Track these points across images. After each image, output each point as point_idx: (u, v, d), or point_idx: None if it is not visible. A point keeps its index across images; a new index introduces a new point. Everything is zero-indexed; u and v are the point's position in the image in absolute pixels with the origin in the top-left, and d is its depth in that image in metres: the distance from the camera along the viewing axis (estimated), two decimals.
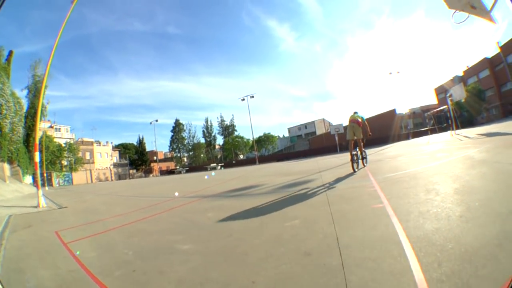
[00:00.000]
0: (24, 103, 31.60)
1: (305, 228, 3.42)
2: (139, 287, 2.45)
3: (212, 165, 54.20)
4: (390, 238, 2.58)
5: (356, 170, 8.20)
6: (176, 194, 10.24)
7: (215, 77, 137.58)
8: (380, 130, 35.74)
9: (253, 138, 60.13)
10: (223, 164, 55.68)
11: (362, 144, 8.96)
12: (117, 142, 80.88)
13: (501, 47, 39.85)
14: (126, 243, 4.20)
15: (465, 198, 3.52)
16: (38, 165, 11.49)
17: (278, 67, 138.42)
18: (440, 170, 6.12)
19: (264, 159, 51.75)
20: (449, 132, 24.43)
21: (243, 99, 51.24)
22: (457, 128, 23.86)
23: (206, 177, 21.43)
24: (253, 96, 51.08)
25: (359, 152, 8.76)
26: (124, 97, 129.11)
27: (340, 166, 12.02)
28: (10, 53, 26.84)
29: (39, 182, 11.14)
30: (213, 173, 30.46)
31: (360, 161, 8.86)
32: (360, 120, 8.84)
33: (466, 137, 15.08)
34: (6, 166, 23.60)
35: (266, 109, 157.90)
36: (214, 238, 3.66)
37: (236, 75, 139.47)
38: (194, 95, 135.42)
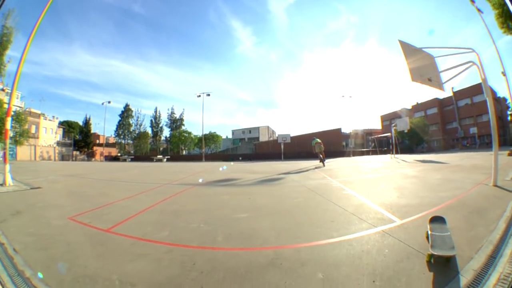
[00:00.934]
0: None
1: (302, 199, 5.57)
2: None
3: (158, 156, 53.88)
4: (359, 203, 4.75)
5: (324, 165, 15.90)
6: (161, 181, 10.49)
7: (166, 66, 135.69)
8: (325, 145, 38.33)
9: (203, 134, 60.43)
10: (169, 156, 55.87)
11: (323, 153, 16.94)
12: (60, 118, 74.29)
13: (454, 93, 47.17)
14: (194, 218, 4.39)
15: (399, 190, 6.06)
16: (8, 133, 10.40)
17: (230, 68, 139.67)
18: (382, 178, 8.68)
19: (208, 157, 52.36)
20: (389, 155, 27.64)
21: (199, 96, 51.07)
22: (397, 153, 26.79)
23: (163, 168, 21.36)
24: (209, 94, 51.02)
25: (322, 157, 16.58)
26: (73, 70, 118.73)
27: (300, 170, 13.63)
28: None
29: (8, 155, 10.06)
30: (163, 165, 30.18)
31: (323, 162, 16.42)
32: (321, 142, 17.62)
33: (404, 160, 17.89)
34: None
35: (209, 108, 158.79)
36: (253, 206, 5.22)
37: (188, 68, 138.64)
38: (142, 81, 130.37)
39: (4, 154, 10.25)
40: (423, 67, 11.58)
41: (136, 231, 3.77)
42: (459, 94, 46.06)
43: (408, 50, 12.03)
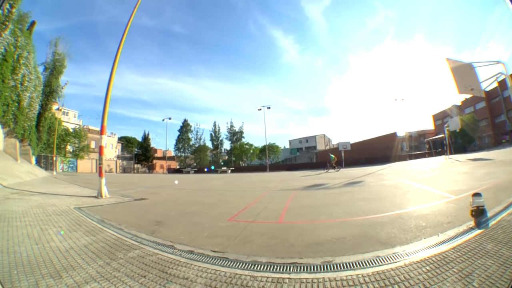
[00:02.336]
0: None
1: (386, 192, 8.28)
2: None
3: (223, 168, 56.22)
4: (428, 190, 7.35)
5: (338, 170, 19.86)
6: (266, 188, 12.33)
7: (214, 81, 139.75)
8: (382, 150, 39.75)
9: (266, 145, 62.68)
10: (233, 168, 57.32)
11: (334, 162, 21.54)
12: (116, 134, 79.79)
13: (499, 82, 43.85)
14: (325, 208, 6.41)
15: (454, 182, 8.59)
16: (103, 149, 10.95)
17: (278, 78, 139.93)
18: (440, 176, 11.34)
19: (271, 167, 52.93)
20: (443, 157, 28.58)
21: (260, 109, 53.83)
22: (451, 153, 27.91)
23: (243, 179, 22.77)
24: (269, 107, 53.84)
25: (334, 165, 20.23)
26: (122, 90, 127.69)
27: (368, 174, 16.28)
28: (33, 23, 23.91)
29: (103, 169, 10.54)
30: (236, 175, 31.91)
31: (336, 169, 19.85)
32: (335, 157, 24.07)
33: (457, 160, 19.69)
34: (18, 144, 22.54)
35: (261, 119, 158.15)
36: (362, 197, 8.16)
37: (236, 81, 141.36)
38: (191, 97, 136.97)
39: (100, 168, 10.56)
40: (467, 79, 14.12)
41: (297, 218, 5.71)
42: (503, 84, 42.17)
43: (455, 65, 14.40)
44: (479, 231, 3.70)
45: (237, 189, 13.61)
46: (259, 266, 3.10)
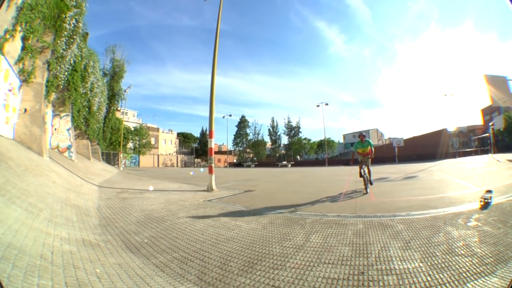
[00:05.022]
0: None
1: (438, 184, 11.79)
2: None
3: (283, 162, 58.72)
4: (462, 183, 10.83)
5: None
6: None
7: (263, 75, 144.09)
8: (433, 147, 40.45)
9: (325, 140, 64.91)
10: (293, 162, 59.52)
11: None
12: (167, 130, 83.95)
13: None
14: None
15: (481, 179, 11.95)
16: (213, 151, 12.32)
17: (327, 70, 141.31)
18: (478, 174, 14.27)
19: (329, 162, 54.14)
20: (487, 156, 28.99)
21: (318, 106, 57.67)
22: (496, 152, 28.34)
23: (319, 172, 25.30)
24: (327, 104, 57.29)
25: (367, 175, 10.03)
26: (171, 88, 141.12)
27: (420, 170, 19.17)
28: (86, 34, 23.90)
29: (213, 167, 11.73)
30: (305, 170, 34.19)
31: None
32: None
33: (498, 160, 21.76)
34: (89, 144, 24.75)
35: (311, 112, 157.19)
36: (424, 186, 11.73)
37: (284, 74, 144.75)
38: (241, 91, 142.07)
39: (209, 166, 12.03)
40: (501, 92, 16.50)
41: (382, 198, 9.62)
42: None
43: (491, 80, 16.93)
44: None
45: (318, 181, 16.51)
46: (377, 216, 6.18)
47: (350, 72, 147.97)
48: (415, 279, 2.99)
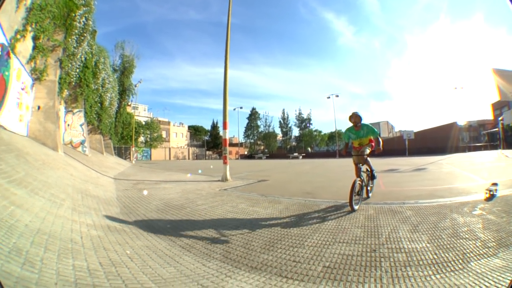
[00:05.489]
0: None
1: (446, 175, 11.98)
2: None
3: (294, 154, 58.44)
4: (469, 176, 11.04)
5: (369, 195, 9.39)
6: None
7: (273, 67, 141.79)
8: (443, 140, 40.11)
9: (336, 132, 63.87)
10: (304, 154, 59.31)
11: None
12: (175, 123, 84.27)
13: None
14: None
15: (488, 172, 12.35)
16: (227, 142, 12.75)
17: (336, 62, 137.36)
18: (486, 168, 14.39)
19: (340, 154, 52.13)
20: (497, 151, 28.84)
21: (329, 97, 58.16)
22: (504, 147, 28.21)
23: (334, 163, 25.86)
24: (338, 96, 57.86)
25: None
26: (180, 81, 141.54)
27: (430, 163, 19.27)
28: (94, 31, 22.74)
29: (227, 157, 12.03)
30: (316, 161, 35.04)
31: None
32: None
33: (507, 156, 21.65)
34: (102, 139, 25.36)
35: (321, 104, 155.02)
36: (434, 178, 12.02)
37: (294, 67, 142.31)
38: (252, 84, 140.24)
39: (224, 156, 12.32)
40: (510, 86, 16.50)
41: (392, 187, 10.18)
42: None
43: (500, 74, 16.91)
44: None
45: (329, 172, 16.89)
46: (387, 203, 6.52)
47: (360, 64, 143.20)
48: (422, 257, 3.27)
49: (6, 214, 3.44)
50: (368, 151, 6.46)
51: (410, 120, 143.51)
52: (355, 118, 6.48)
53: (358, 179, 5.95)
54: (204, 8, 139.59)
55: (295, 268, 3.12)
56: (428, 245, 3.64)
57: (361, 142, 6.67)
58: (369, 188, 6.97)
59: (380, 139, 6.43)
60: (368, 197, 6.85)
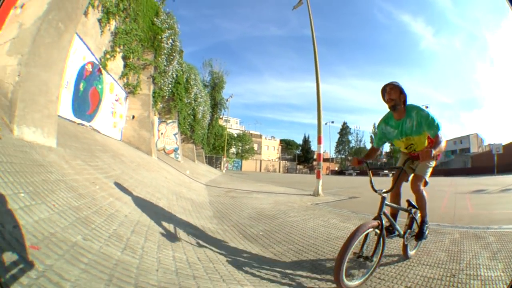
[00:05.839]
0: None
1: None
2: None
3: (385, 171, 55.05)
4: None
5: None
6: None
7: (360, 79, 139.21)
8: None
9: None
10: (394, 172, 55.28)
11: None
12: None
13: None
14: None
15: None
16: (321, 157, 12.13)
17: (421, 68, 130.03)
18: None
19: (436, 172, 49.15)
20: None
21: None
22: None
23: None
24: (427, 106, 50.81)
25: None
26: (269, 96, 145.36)
27: None
28: (181, 51, 23.24)
29: (321, 172, 11.48)
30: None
31: None
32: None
33: None
34: (194, 148, 27.41)
35: None
36: None
37: (382, 77, 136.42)
38: (340, 97, 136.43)
39: (317, 170, 11.81)
40: None
41: (479, 210, 8.27)
42: None
43: None
44: None
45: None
46: (472, 228, 5.72)
47: (445, 69, 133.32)
48: (494, 286, 3.24)
49: (105, 203, 3.81)
50: (432, 165, 3.60)
51: (498, 130, 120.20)
52: (393, 92, 3.22)
53: (376, 223, 3.07)
54: (284, 24, 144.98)
55: (379, 285, 3.24)
56: (502, 274, 3.55)
57: (411, 144, 3.53)
58: (409, 245, 3.78)
59: (443, 140, 3.09)
60: (407, 257, 3.80)
